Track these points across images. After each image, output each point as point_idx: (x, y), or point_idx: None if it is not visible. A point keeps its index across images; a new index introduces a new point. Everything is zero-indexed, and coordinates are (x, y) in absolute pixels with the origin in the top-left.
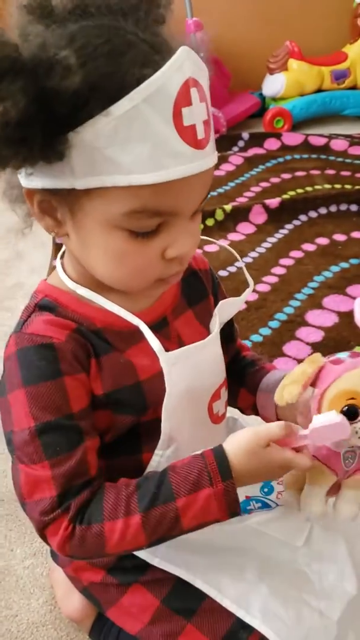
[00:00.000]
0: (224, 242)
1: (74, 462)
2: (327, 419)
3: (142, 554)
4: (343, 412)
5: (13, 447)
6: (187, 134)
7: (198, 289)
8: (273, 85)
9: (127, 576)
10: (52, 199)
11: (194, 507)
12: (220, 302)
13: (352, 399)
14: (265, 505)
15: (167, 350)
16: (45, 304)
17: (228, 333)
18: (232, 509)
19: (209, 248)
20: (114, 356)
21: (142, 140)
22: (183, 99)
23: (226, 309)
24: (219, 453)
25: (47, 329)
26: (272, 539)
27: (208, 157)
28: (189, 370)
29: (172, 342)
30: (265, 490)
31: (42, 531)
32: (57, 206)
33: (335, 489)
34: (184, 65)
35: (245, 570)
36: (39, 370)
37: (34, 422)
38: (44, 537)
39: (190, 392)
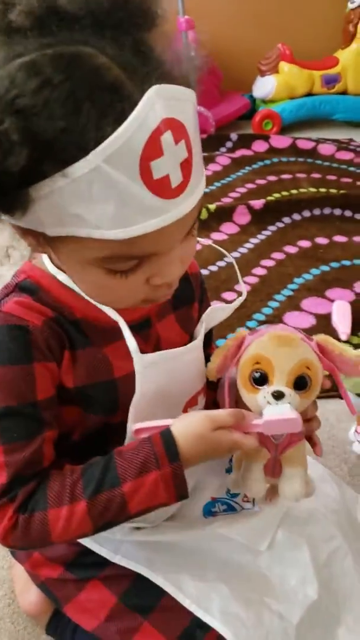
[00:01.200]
0: (206, 241)
1: (29, 452)
2: (282, 413)
3: (103, 551)
4: (253, 378)
5: None
6: (158, 187)
7: (186, 293)
8: (263, 87)
9: (85, 572)
10: (29, 233)
11: (140, 491)
12: (210, 308)
13: (257, 363)
14: (231, 508)
15: (143, 351)
16: (26, 285)
17: (206, 338)
18: (180, 491)
19: (203, 241)
20: (91, 351)
21: (106, 200)
22: (152, 151)
23: (215, 315)
24: (167, 436)
25: (23, 311)
26: (235, 543)
27: (186, 201)
28: (163, 375)
29: (149, 344)
30: (231, 492)
31: None
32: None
33: (277, 470)
34: (152, 112)
35: (206, 571)
36: (8, 352)
37: None
38: None
39: (162, 396)
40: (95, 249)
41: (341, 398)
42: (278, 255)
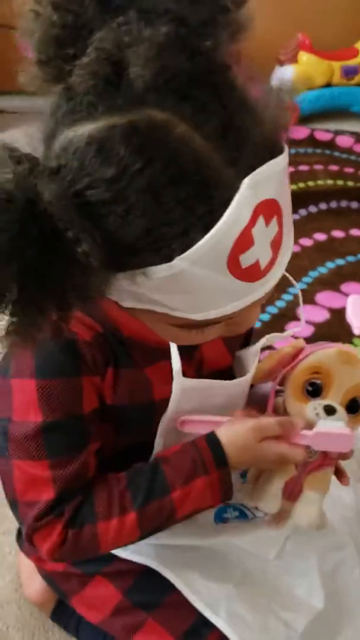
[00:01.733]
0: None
1: (76, 466)
2: (335, 427)
3: None
4: (308, 386)
5: (7, 437)
6: (246, 275)
7: None
8: (282, 77)
9: (90, 567)
10: None
11: (189, 497)
12: (267, 337)
13: (316, 372)
14: (242, 515)
15: (184, 372)
16: None
17: (244, 343)
18: (226, 494)
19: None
20: (134, 372)
21: (189, 292)
22: (242, 246)
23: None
24: (213, 441)
25: (74, 323)
26: (245, 551)
27: (275, 275)
28: (201, 402)
29: (192, 364)
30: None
31: (32, 535)
32: None
33: (295, 493)
34: (246, 207)
35: (216, 572)
36: (58, 365)
37: (42, 418)
38: (31, 541)
39: None
40: (172, 320)
41: None
42: (293, 248)
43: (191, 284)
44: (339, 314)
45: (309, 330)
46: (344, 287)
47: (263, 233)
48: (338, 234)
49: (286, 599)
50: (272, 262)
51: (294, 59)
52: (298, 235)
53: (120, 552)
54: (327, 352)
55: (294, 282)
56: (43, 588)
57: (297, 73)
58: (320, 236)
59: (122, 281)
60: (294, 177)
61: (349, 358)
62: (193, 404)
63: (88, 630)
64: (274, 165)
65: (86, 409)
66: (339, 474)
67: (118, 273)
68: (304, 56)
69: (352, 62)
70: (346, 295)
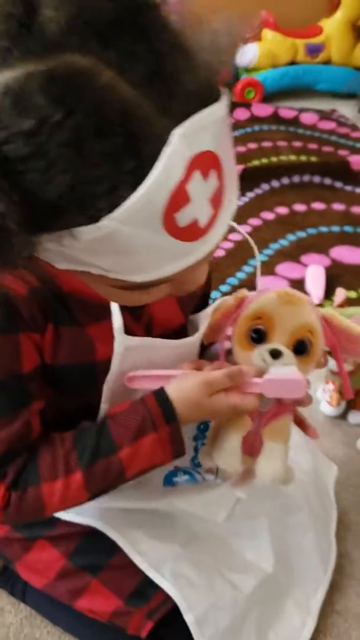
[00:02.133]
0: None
1: (16, 427)
2: (286, 372)
3: None
4: (251, 333)
5: None
6: (185, 233)
7: None
8: (246, 54)
9: (32, 531)
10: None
11: (138, 455)
12: (219, 300)
13: (259, 318)
14: (192, 478)
15: (132, 331)
16: None
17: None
18: (177, 450)
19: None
20: (75, 330)
21: (123, 253)
22: (176, 203)
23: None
24: (161, 397)
25: (7, 277)
26: (193, 514)
27: (217, 232)
28: (146, 361)
29: (140, 323)
30: (196, 462)
31: None
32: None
33: (255, 447)
34: (178, 161)
35: (163, 532)
36: None
37: None
38: None
39: None
40: (109, 281)
41: None
42: (254, 222)
43: (124, 245)
44: (298, 284)
45: None
46: (304, 258)
47: (200, 189)
48: (300, 207)
49: (234, 561)
50: (213, 220)
51: (257, 37)
52: (260, 209)
53: (63, 515)
54: (267, 296)
55: (257, 253)
56: None
57: (261, 51)
58: (282, 210)
59: (49, 244)
60: (258, 153)
61: (289, 298)
62: (138, 366)
63: (34, 595)
64: (210, 114)
65: (26, 367)
66: (303, 425)
67: (42, 235)
68: (268, 34)
69: (316, 40)
70: (306, 266)
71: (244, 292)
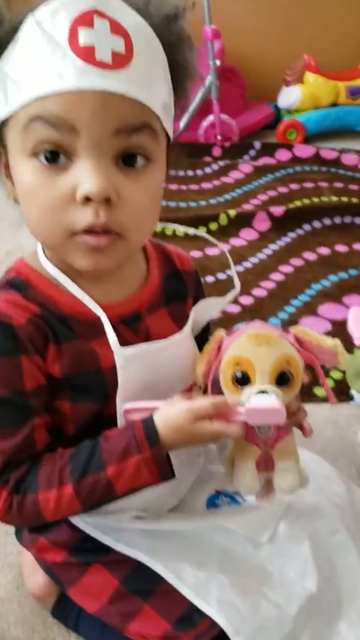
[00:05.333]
0: (225, 247)
1: (19, 438)
2: (266, 402)
3: (105, 538)
4: (235, 379)
5: None
6: (83, 52)
7: (177, 289)
8: (288, 97)
9: (88, 557)
10: (0, 149)
11: (124, 473)
12: (202, 301)
13: (238, 364)
14: (234, 500)
15: (130, 344)
16: (15, 282)
17: (202, 338)
18: (164, 473)
19: (211, 251)
20: (77, 343)
21: (38, 57)
22: (81, 21)
23: (206, 308)
24: (147, 423)
25: (10, 308)
26: (237, 535)
27: (113, 80)
28: (148, 368)
29: (139, 337)
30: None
31: None
32: (2, 155)
33: (269, 464)
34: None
35: (206, 561)
36: None
37: None
38: None
39: (150, 389)
40: (23, 119)
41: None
42: (296, 262)
43: (38, 43)
44: (340, 326)
45: None
46: (346, 299)
47: (104, 32)
48: (341, 248)
49: (277, 582)
50: (114, 65)
51: (300, 80)
52: (302, 249)
53: (112, 544)
54: (239, 342)
55: (232, 265)
56: (45, 582)
57: (303, 93)
58: (324, 250)
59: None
60: (299, 194)
61: (261, 340)
62: (142, 373)
63: (87, 624)
64: (118, 5)
65: (28, 385)
66: (303, 430)
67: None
68: (310, 77)
69: (357, 83)
70: (348, 307)
71: (219, 333)
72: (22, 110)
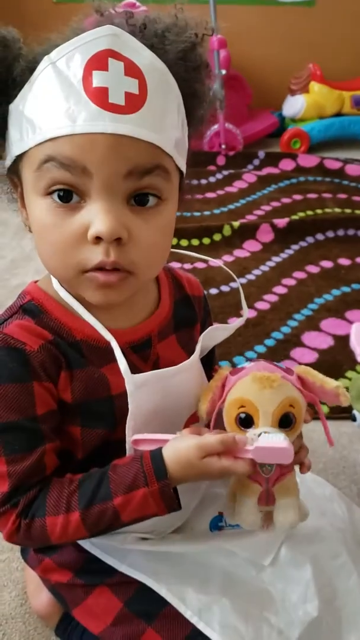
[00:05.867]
0: (228, 258)
1: (29, 463)
2: (274, 442)
3: (110, 560)
4: (239, 420)
5: None
6: (96, 95)
7: (188, 314)
8: (293, 106)
9: (93, 578)
10: (16, 180)
11: (131, 504)
12: (210, 329)
13: (242, 406)
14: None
15: (140, 371)
16: (29, 307)
17: (207, 359)
18: (170, 505)
19: (215, 263)
20: (88, 370)
21: (52, 98)
22: (96, 63)
23: (214, 335)
24: (156, 457)
25: (23, 334)
26: (239, 558)
27: (123, 124)
28: (159, 394)
29: (148, 364)
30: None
31: None
32: (19, 186)
33: (270, 499)
34: (104, 39)
35: (210, 584)
36: (9, 371)
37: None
38: None
39: (159, 414)
40: (36, 159)
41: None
42: (299, 275)
43: (52, 86)
44: (343, 341)
45: (312, 356)
46: (349, 314)
47: (118, 74)
48: (344, 261)
49: (279, 606)
50: (126, 108)
51: (305, 89)
52: (305, 262)
53: (117, 566)
54: (243, 383)
55: (234, 276)
56: (49, 600)
57: (308, 102)
58: (327, 264)
59: (14, 107)
60: (303, 205)
61: (264, 383)
62: (151, 399)
63: None
64: (131, 41)
65: (39, 411)
66: (301, 465)
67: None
68: (315, 86)
69: None
70: (351, 322)
71: (224, 371)
72: (36, 149)
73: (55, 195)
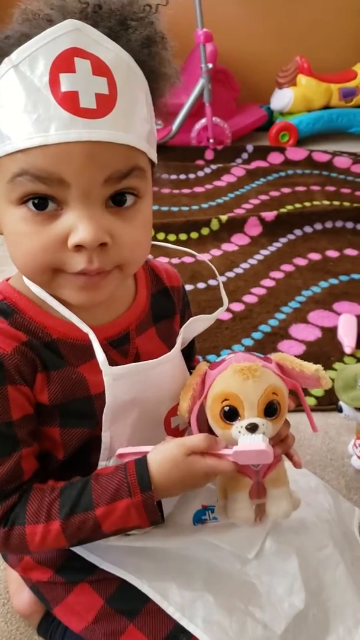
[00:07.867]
0: (216, 252)
1: (6, 469)
2: (253, 444)
3: (92, 557)
4: (224, 414)
5: None
6: (66, 101)
7: (166, 306)
8: (281, 99)
9: (74, 575)
10: None
11: (113, 515)
12: (191, 320)
13: (226, 399)
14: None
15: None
16: (2, 307)
17: (187, 352)
18: (152, 518)
19: (200, 257)
20: (65, 371)
21: (19, 105)
22: (62, 65)
23: (194, 326)
24: (141, 465)
25: None
26: (224, 551)
27: (97, 129)
28: (137, 386)
29: (128, 359)
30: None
31: None
32: None
33: (261, 491)
34: (66, 36)
35: (193, 579)
36: None
37: None
38: None
39: (137, 406)
40: (8, 170)
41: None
42: (287, 267)
43: (19, 92)
44: (330, 333)
45: (300, 348)
46: (337, 306)
47: (86, 74)
48: (332, 253)
49: (264, 599)
50: (99, 112)
51: (292, 82)
52: (293, 255)
53: (99, 563)
54: (224, 376)
55: (216, 272)
56: (30, 600)
57: (296, 95)
58: (315, 256)
59: None
60: (291, 198)
61: (246, 373)
62: (130, 391)
63: None
64: (98, 36)
65: (15, 415)
66: (291, 458)
67: None
68: (302, 79)
69: (350, 85)
70: (338, 314)
71: (202, 367)
72: (6, 158)
73: (30, 204)
